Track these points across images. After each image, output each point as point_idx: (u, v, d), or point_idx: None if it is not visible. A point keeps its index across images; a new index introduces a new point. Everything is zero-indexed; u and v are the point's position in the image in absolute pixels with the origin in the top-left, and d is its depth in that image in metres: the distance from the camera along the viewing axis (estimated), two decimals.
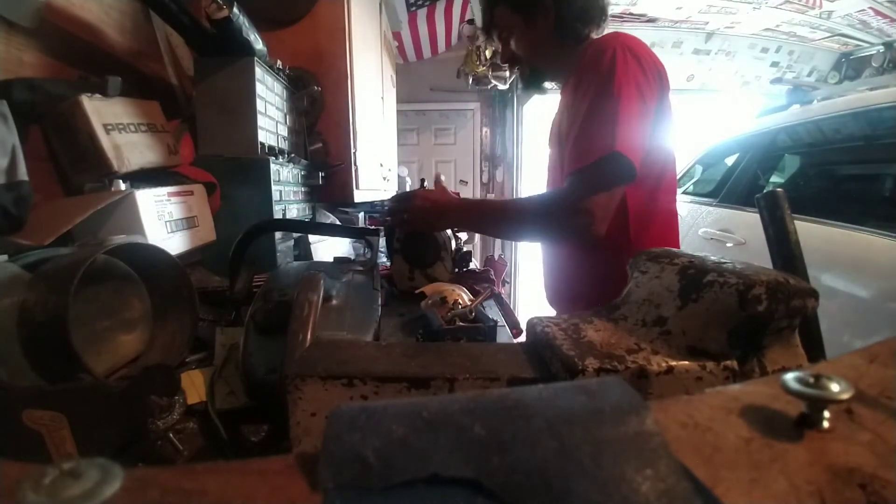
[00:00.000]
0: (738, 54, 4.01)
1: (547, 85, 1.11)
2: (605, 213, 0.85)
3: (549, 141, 1.17)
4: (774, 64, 4.06)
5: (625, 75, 0.82)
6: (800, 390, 0.21)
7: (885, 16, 3.20)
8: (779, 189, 0.67)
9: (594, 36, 1.00)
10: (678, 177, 2.97)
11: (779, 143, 2.31)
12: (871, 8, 3.13)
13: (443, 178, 1.11)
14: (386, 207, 1.05)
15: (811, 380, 0.21)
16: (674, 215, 0.99)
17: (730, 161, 2.69)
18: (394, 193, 1.61)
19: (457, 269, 1.36)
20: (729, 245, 2.10)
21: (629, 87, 0.82)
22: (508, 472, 0.17)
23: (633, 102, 0.81)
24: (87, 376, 0.57)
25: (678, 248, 1.03)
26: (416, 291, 1.13)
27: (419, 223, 0.99)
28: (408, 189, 3.10)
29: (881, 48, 3.54)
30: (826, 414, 0.21)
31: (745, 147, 2.50)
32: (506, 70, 3.67)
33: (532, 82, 1.10)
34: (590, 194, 0.84)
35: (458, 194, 1.04)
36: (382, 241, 1.34)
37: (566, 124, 0.93)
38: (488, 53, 3.61)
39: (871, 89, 1.92)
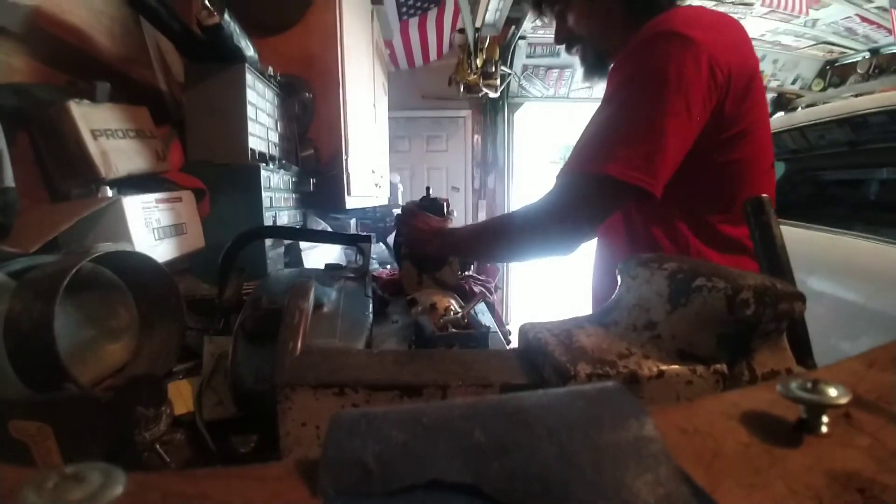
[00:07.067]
0: None
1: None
2: (591, 230, 0.77)
3: None
4: None
5: (665, 82, 0.63)
6: (798, 395, 0.21)
7: (871, 22, 3.22)
8: (764, 195, 0.68)
9: (678, 3, 0.77)
10: None
11: None
12: (857, 14, 3.18)
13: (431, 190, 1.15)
14: (393, 221, 1.06)
15: (809, 385, 0.21)
16: (743, 245, 0.76)
17: None
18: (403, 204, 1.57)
19: (462, 272, 1.36)
20: None
21: (672, 97, 0.63)
22: (508, 478, 0.17)
23: (673, 116, 0.64)
24: (72, 386, 0.56)
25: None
26: (407, 298, 1.13)
27: (413, 243, 1.00)
28: (400, 196, 3.10)
29: (867, 55, 3.59)
30: (824, 419, 0.21)
31: None
32: (496, 79, 3.71)
33: (595, 65, 0.87)
34: (575, 206, 0.73)
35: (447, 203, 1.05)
36: (376, 248, 1.34)
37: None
38: (479, 62, 3.63)
39: (856, 95, 1.96)
